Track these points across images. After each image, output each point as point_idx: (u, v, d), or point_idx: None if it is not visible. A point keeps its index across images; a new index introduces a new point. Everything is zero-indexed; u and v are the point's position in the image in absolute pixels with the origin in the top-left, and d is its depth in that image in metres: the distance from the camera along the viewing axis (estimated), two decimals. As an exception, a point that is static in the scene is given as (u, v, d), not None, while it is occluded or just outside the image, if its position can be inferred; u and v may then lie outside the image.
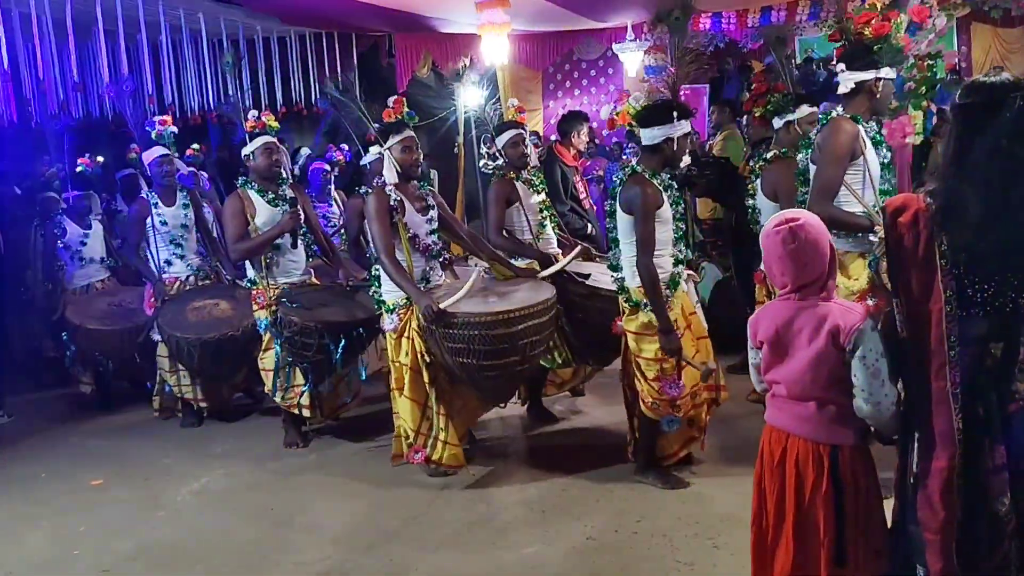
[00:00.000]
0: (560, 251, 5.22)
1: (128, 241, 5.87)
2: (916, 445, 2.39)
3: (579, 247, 5.13)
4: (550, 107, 12.84)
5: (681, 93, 11.87)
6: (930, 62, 5.80)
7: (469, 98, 10.91)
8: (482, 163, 11.12)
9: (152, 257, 5.75)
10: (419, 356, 4.36)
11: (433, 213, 4.62)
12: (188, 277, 5.83)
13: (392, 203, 4.40)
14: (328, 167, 7.17)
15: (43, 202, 6.91)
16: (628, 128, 4.92)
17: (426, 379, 4.38)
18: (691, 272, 4.38)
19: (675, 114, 4.05)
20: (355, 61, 10.39)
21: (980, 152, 2.26)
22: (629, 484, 4.31)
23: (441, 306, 4.16)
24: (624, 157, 11.27)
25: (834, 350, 2.40)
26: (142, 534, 4.16)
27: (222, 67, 6.35)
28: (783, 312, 2.52)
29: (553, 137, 7.71)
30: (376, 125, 5.56)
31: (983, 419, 2.28)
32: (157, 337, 5.67)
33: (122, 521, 4.34)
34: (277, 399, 5.17)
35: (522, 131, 5.22)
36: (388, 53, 10.95)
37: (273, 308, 4.95)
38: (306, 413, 5.17)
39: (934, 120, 6.37)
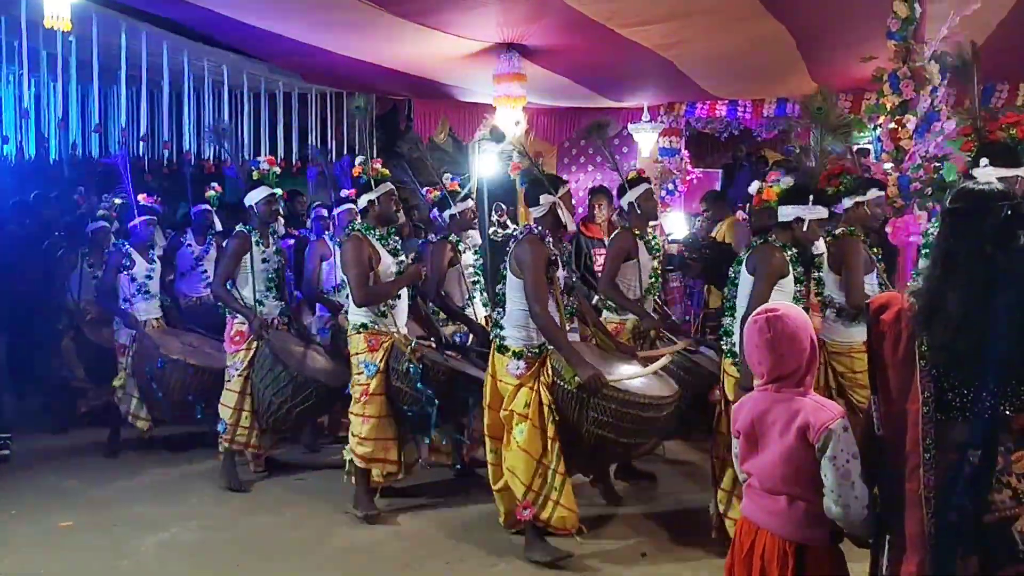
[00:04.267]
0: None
1: (218, 274, 5.62)
2: (887, 547, 2.32)
3: (687, 341, 5.14)
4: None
5: (693, 177, 12.03)
6: (936, 164, 5.84)
7: (484, 165, 11.05)
8: (491, 230, 11.21)
9: (240, 296, 5.49)
10: (545, 410, 4.18)
11: (568, 270, 4.56)
12: (273, 320, 5.60)
13: (551, 257, 4.28)
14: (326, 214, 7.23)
15: (95, 232, 6.87)
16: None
17: (550, 434, 4.18)
18: None
19: (811, 197, 4.15)
20: (374, 123, 10.56)
21: (964, 256, 2.26)
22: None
23: (609, 380, 4.02)
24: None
25: (803, 447, 2.35)
26: (99, 583, 4.05)
27: (352, 111, 6.29)
28: (760, 403, 2.49)
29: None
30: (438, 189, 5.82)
31: (956, 526, 2.21)
32: (234, 373, 5.43)
33: (82, 568, 4.25)
34: (360, 451, 4.82)
35: (651, 185, 5.40)
36: (407, 117, 11.13)
37: (419, 353, 4.70)
38: (392, 469, 4.92)
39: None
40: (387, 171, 5.16)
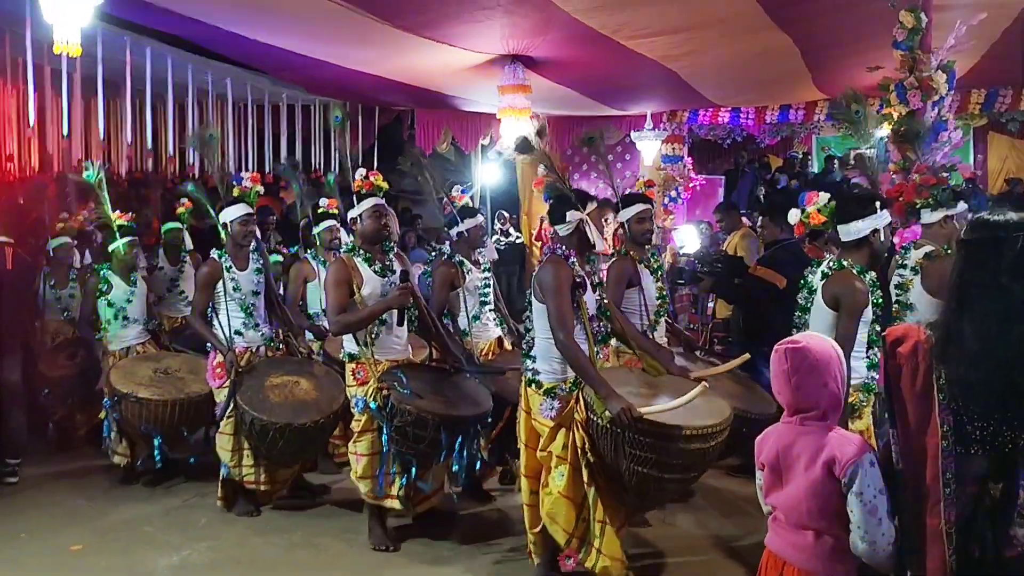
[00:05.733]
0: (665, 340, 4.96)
1: (194, 304, 5.35)
2: (909, 582, 2.32)
3: (745, 356, 4.65)
4: (566, 188, 12.99)
5: (696, 184, 12.04)
6: (944, 174, 5.83)
7: (487, 173, 11.05)
8: (495, 238, 11.20)
9: (220, 325, 5.22)
10: (580, 452, 3.86)
11: (601, 291, 4.21)
12: (259, 348, 5.31)
13: (576, 278, 3.97)
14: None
15: (57, 250, 6.67)
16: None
17: (585, 478, 3.86)
18: None
19: (878, 204, 3.87)
20: (376, 132, 10.60)
21: (980, 288, 2.24)
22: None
23: (643, 412, 3.61)
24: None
25: (830, 482, 2.33)
26: (113, 607, 4.05)
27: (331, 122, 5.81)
28: (785, 436, 2.47)
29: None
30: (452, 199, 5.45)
31: (978, 561, 2.20)
32: (223, 412, 5.12)
33: (95, 592, 4.24)
34: (363, 488, 4.61)
35: (650, 206, 5.02)
36: (409, 127, 11.17)
37: (384, 392, 4.41)
38: (396, 506, 4.61)
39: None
40: (384, 184, 4.79)
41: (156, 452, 5.49)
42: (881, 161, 7.31)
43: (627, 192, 5.14)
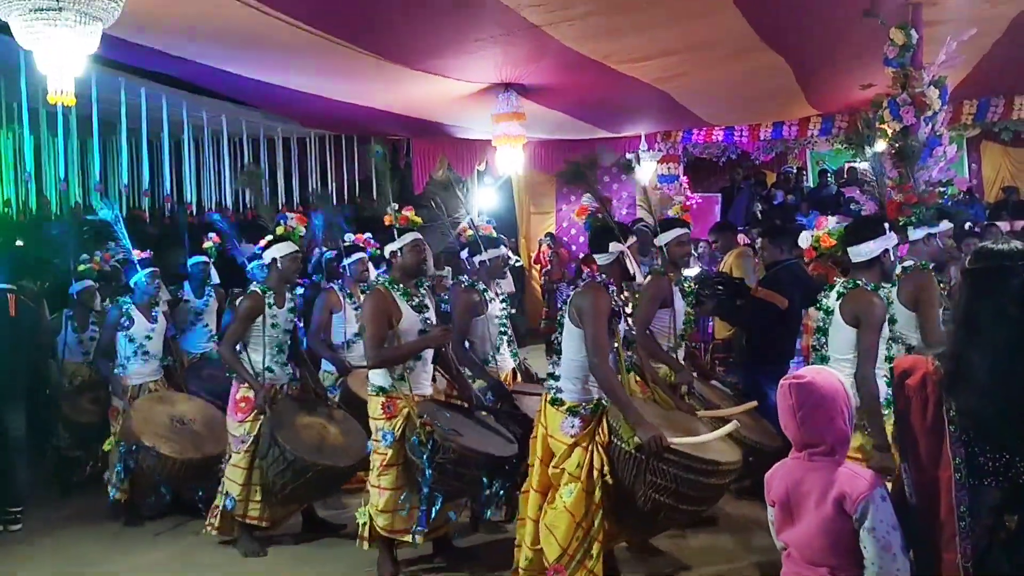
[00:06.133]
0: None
1: (227, 335, 5.28)
2: (926, 618, 2.29)
3: (752, 404, 4.73)
4: (563, 210, 13.05)
5: (693, 201, 12.05)
6: (941, 189, 5.83)
7: (484, 198, 11.07)
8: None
9: (249, 359, 5.18)
10: (595, 473, 3.89)
11: (626, 323, 4.26)
12: (283, 386, 5.27)
13: (614, 307, 4.02)
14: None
15: (80, 292, 6.62)
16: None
17: (596, 500, 3.88)
18: None
19: (887, 225, 4.02)
20: (372, 163, 10.61)
21: (987, 317, 2.23)
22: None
23: (673, 443, 3.69)
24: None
25: (841, 518, 2.31)
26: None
27: (368, 155, 5.77)
28: (794, 472, 2.45)
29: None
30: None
31: (996, 596, 2.18)
32: (240, 446, 5.09)
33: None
34: (380, 522, 4.50)
35: (688, 230, 5.21)
36: (405, 155, 11.20)
37: (428, 428, 4.27)
38: (419, 540, 4.49)
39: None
40: (419, 219, 4.80)
41: (164, 491, 5.54)
42: (879, 175, 7.33)
43: (662, 218, 5.34)
